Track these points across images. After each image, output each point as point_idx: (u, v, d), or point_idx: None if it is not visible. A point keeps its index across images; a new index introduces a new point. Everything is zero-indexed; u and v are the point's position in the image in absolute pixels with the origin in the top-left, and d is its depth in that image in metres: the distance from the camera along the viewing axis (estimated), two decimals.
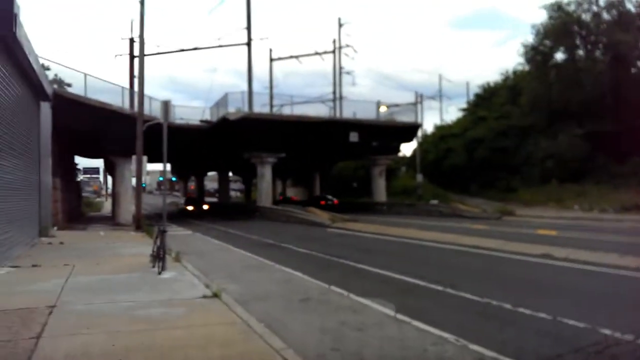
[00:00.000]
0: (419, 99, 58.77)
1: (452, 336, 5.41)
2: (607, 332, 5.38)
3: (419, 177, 41.19)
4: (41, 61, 16.33)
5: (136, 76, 23.42)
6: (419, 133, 56.60)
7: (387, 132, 33.27)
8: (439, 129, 56.43)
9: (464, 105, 57.44)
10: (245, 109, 31.23)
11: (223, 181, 53.14)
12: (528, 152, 39.66)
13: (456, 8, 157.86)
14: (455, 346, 5.15)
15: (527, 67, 44.15)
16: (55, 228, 18.38)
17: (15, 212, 11.92)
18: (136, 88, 23.49)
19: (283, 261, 11.41)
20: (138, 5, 20.35)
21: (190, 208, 45.26)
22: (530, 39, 43.09)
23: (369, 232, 18.27)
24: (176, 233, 20.67)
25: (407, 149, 52.98)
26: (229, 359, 4.54)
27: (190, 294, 7.44)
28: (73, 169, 36.06)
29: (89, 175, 78.65)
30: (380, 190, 35.75)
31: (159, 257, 9.52)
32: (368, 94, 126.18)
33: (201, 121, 26.32)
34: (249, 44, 37.42)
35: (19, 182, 12.42)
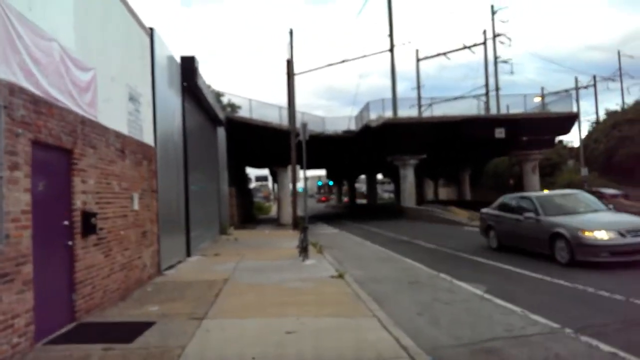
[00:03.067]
0: (591, 81, 53.04)
1: (520, 309, 6.43)
2: None
3: (584, 171, 37.73)
4: (217, 89, 20.64)
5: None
6: (593, 120, 51.50)
7: (538, 126, 31.58)
8: (611, 115, 50.34)
9: None
10: (387, 114, 33.01)
11: (371, 183, 55.63)
12: None
13: None
14: (519, 315, 6.19)
15: None
16: (232, 228, 22.60)
17: (204, 215, 15.66)
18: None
19: (409, 254, 12.89)
20: (296, 33, 23.84)
21: None
22: None
23: None
24: (326, 231, 23.47)
25: (575, 139, 48.46)
26: (336, 312, 6.36)
27: (322, 275, 9.53)
28: (245, 178, 42.21)
29: (259, 183, 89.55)
30: (533, 187, 33.89)
31: (303, 248, 11.90)
32: (533, 80, 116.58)
33: (344, 132, 28.96)
34: (391, 50, 39.11)
35: (205, 191, 16.19)
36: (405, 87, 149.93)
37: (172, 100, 11.95)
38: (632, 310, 6.18)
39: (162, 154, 10.45)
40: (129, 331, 5.59)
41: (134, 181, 8.53)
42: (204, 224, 15.73)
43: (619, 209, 13.95)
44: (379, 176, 70.71)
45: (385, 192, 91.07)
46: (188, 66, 12.90)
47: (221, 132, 21.60)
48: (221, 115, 20.12)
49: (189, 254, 12.81)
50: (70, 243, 5.97)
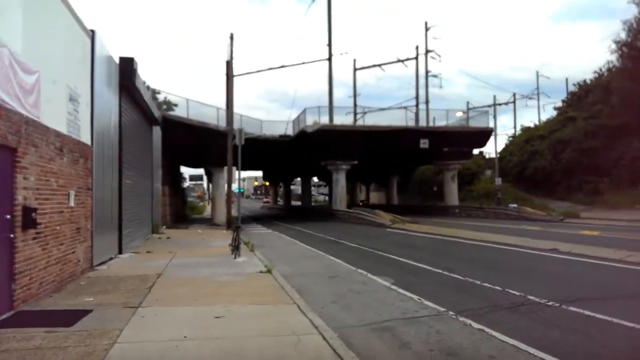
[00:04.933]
0: (511, 98, 58.13)
1: (417, 297, 7.64)
2: (532, 297, 7.27)
3: (498, 181, 41.18)
4: (154, 87, 20.64)
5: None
6: (511, 134, 56.33)
7: (458, 138, 34.36)
8: (525, 130, 55.26)
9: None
10: (323, 120, 34.32)
11: (306, 186, 56.85)
12: (618, 154, 37.87)
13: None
14: (415, 302, 7.39)
15: (618, 65, 41.99)
16: (164, 227, 22.67)
17: (136, 213, 15.83)
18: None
19: (333, 253, 13.99)
20: (237, 34, 24.32)
21: None
22: (622, 35, 40.77)
23: (422, 231, 20.22)
24: (259, 231, 24.19)
25: (492, 151, 52.49)
26: (261, 301, 7.20)
27: (252, 270, 10.32)
28: (179, 177, 41.78)
29: (194, 182, 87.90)
30: (452, 194, 36.73)
31: (235, 246, 12.59)
32: (461, 95, 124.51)
33: (280, 136, 29.88)
34: (329, 60, 40.56)
35: (138, 189, 16.36)
36: (343, 94, 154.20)
37: (109, 100, 12.21)
38: (504, 297, 7.55)
39: (98, 153, 10.74)
40: (68, 317, 6.09)
41: (71, 179, 8.87)
42: (137, 222, 15.92)
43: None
44: (315, 179, 72.14)
45: (320, 195, 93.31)
46: (127, 67, 13.18)
47: (157, 131, 21.67)
48: (157, 114, 20.24)
49: (120, 251, 13.06)
50: (11, 235, 6.35)
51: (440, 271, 10.09)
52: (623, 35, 39.11)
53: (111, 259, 11.97)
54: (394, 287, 8.63)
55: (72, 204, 8.87)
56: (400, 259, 12.21)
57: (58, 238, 8.15)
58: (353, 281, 9.41)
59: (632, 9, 38.45)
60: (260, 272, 10.06)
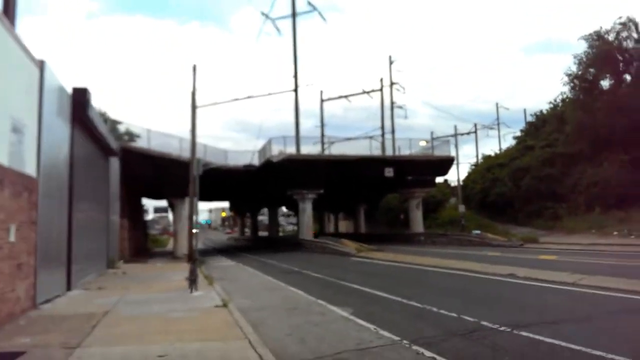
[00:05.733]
0: (473, 128, 60.23)
1: (374, 327, 7.50)
2: (485, 323, 7.26)
3: (461, 208, 41.96)
4: (114, 118, 20.20)
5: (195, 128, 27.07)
6: (474, 162, 58.08)
7: (421, 167, 35.04)
8: (486, 159, 57.01)
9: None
10: (290, 150, 34.39)
11: (273, 216, 56.39)
12: (574, 180, 39.40)
13: (527, 36, 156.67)
14: (371, 332, 7.25)
15: (571, 96, 44.19)
16: (122, 261, 21.81)
17: (89, 248, 15.18)
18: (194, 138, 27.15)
19: (295, 284, 13.71)
20: (205, 63, 24.26)
21: None
22: (574, 68, 42.98)
23: (386, 260, 20.21)
24: (222, 264, 23.60)
25: (456, 179, 53.67)
26: (212, 337, 6.89)
27: (207, 305, 9.94)
28: (140, 209, 40.71)
29: (159, 214, 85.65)
30: (417, 222, 37.13)
31: (192, 280, 12.17)
32: (426, 125, 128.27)
33: (244, 166, 29.60)
34: (295, 91, 41.08)
35: (91, 222, 15.75)
36: (311, 124, 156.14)
37: (60, 131, 11.83)
38: (458, 324, 7.50)
39: (45, 185, 10.30)
40: None
41: (12, 212, 8.42)
42: (89, 257, 15.26)
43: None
44: (284, 209, 71.69)
45: (289, 225, 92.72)
46: (80, 98, 12.88)
47: (114, 162, 21.11)
48: (114, 145, 19.76)
49: (69, 288, 12.42)
50: None
51: (399, 299, 9.99)
52: (574, 68, 41.40)
53: (58, 296, 11.33)
54: (352, 317, 8.46)
55: (12, 238, 8.40)
56: (362, 288, 12.06)
57: None
58: (311, 312, 9.19)
59: (583, 44, 40.74)
60: (216, 306, 9.71)
